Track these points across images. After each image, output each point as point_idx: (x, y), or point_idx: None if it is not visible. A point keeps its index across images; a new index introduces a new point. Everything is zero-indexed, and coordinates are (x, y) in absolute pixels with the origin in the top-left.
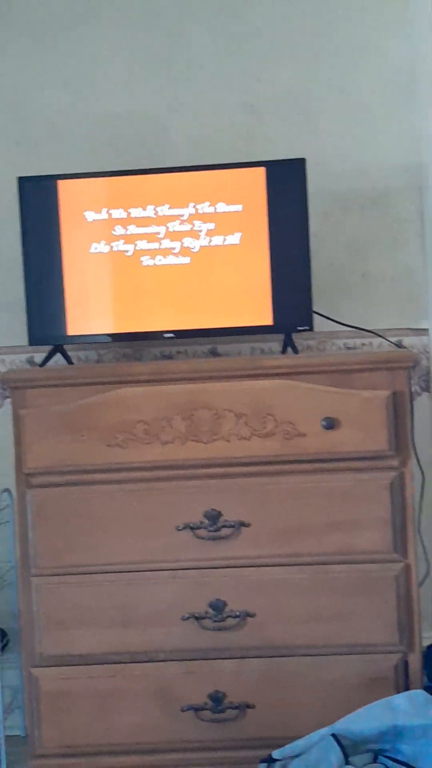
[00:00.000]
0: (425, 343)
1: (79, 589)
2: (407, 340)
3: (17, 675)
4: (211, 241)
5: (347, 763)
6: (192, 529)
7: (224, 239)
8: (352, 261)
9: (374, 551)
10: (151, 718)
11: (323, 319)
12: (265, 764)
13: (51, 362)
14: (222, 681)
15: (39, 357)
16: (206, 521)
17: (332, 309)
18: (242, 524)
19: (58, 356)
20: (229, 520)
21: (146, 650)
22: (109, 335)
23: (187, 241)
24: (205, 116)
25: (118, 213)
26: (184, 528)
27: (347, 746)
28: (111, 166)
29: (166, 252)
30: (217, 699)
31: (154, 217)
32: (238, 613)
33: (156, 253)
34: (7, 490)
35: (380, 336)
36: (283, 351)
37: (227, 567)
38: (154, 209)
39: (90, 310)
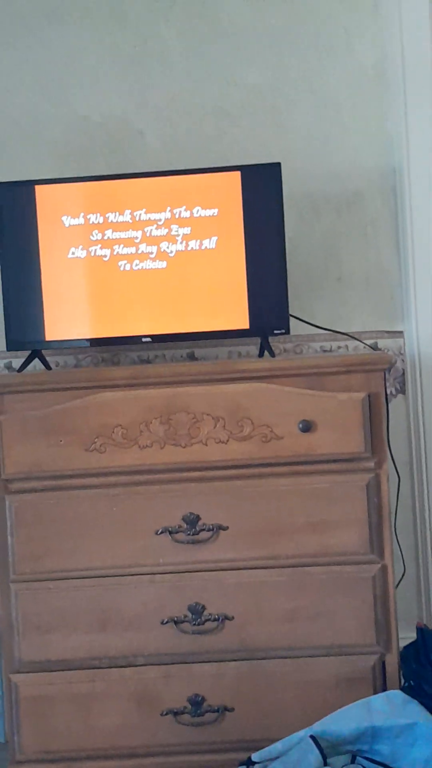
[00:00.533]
0: (400, 345)
1: (58, 593)
2: (382, 343)
3: None
4: (187, 245)
5: (326, 764)
6: (170, 533)
7: (201, 243)
8: (326, 264)
9: (351, 552)
10: (131, 722)
11: (299, 322)
12: (244, 767)
13: (29, 367)
14: (201, 684)
15: (17, 362)
16: (185, 525)
17: (308, 312)
18: (220, 527)
19: (36, 361)
20: (207, 524)
21: (125, 654)
22: (87, 340)
23: (164, 246)
24: (176, 118)
25: (95, 218)
26: (162, 532)
27: (326, 747)
28: (83, 168)
29: (144, 256)
30: (196, 702)
31: (131, 221)
32: (216, 616)
33: (133, 258)
34: None
35: (356, 339)
36: (260, 354)
37: (206, 570)
38: (131, 214)
39: (68, 315)
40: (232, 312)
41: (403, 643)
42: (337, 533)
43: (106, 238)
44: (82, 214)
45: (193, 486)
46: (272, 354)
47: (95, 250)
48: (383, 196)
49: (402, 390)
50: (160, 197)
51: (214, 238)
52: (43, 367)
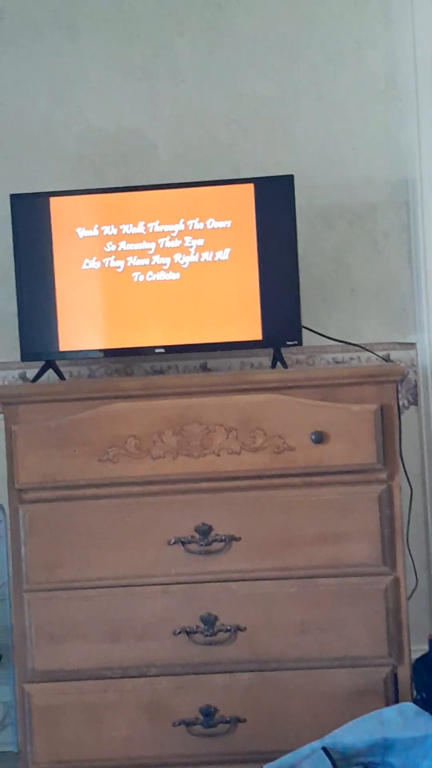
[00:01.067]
0: (412, 356)
1: (71, 603)
2: (395, 354)
3: (10, 691)
4: (200, 256)
5: None
6: (183, 543)
7: (214, 255)
8: (338, 275)
9: (363, 564)
10: (143, 732)
11: (312, 333)
12: None
13: (43, 378)
14: (213, 695)
15: (31, 373)
16: (197, 535)
17: (320, 323)
18: (233, 538)
19: (50, 372)
20: (219, 534)
21: (138, 665)
22: (100, 351)
23: (177, 257)
24: (189, 130)
25: (109, 229)
26: (175, 542)
27: (337, 759)
28: (96, 180)
29: (157, 268)
30: (208, 713)
31: (145, 233)
32: (229, 627)
33: (147, 269)
34: None
35: (368, 350)
36: (273, 365)
37: (218, 581)
38: (145, 225)
39: (82, 326)
40: (245, 323)
41: (415, 656)
42: (349, 545)
43: (119, 249)
44: (96, 226)
45: (206, 497)
46: (285, 365)
47: (109, 261)
48: (395, 207)
49: (414, 401)
50: (173, 209)
51: (228, 250)
52: (56, 377)
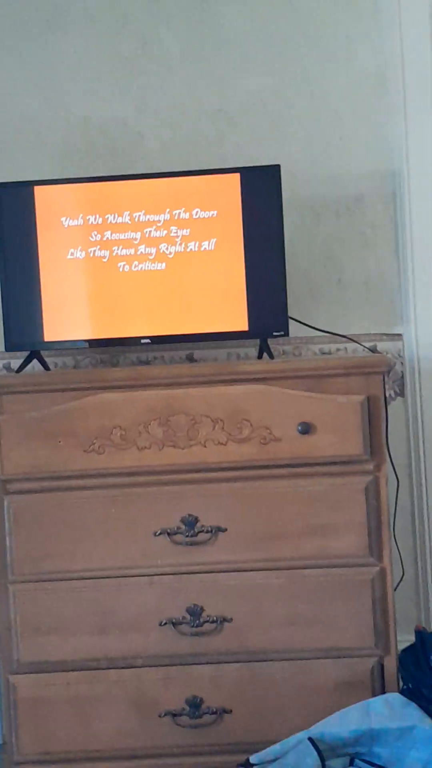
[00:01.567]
0: (399, 348)
1: (56, 595)
2: (381, 345)
3: None
4: (186, 246)
5: (324, 767)
6: (169, 534)
7: (200, 245)
8: (326, 267)
9: (350, 555)
10: (129, 723)
11: (299, 324)
12: None
13: (28, 368)
14: (199, 686)
15: (15, 363)
16: (183, 527)
17: (307, 315)
18: (219, 529)
19: (35, 362)
20: (206, 526)
21: (124, 656)
22: (86, 341)
23: (163, 247)
24: (176, 121)
25: (94, 219)
26: (161, 534)
27: (324, 750)
28: (83, 170)
29: (143, 258)
30: (194, 704)
31: (130, 223)
32: (215, 618)
33: (132, 259)
34: None
35: (355, 341)
36: (259, 356)
37: (204, 572)
38: (130, 215)
39: (67, 316)
40: (231, 314)
41: (401, 646)
42: (335, 536)
43: (105, 239)
44: (81, 216)
45: (192, 488)
46: (271, 356)
47: (94, 251)
48: (383, 199)
49: (401, 393)
50: (159, 199)
51: (213, 240)
52: (41, 368)
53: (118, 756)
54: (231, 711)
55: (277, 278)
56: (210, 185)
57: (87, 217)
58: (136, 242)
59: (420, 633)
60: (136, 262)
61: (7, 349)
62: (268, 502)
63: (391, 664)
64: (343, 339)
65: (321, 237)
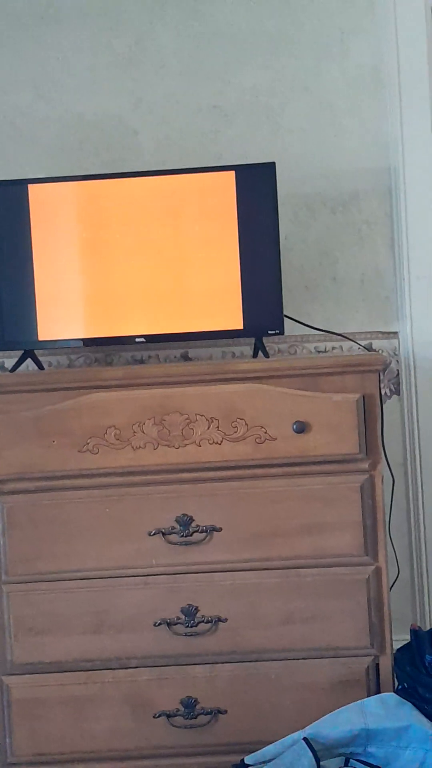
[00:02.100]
0: (395, 346)
1: (50, 595)
2: (377, 343)
3: None
4: (181, 244)
5: (319, 767)
6: (164, 534)
7: (194, 243)
8: (321, 264)
9: (346, 554)
10: (124, 724)
11: (294, 323)
12: None
13: (21, 367)
14: (194, 686)
15: (9, 362)
16: (178, 526)
17: (302, 313)
18: (214, 529)
19: (29, 361)
20: (200, 525)
21: (118, 656)
22: (80, 340)
23: (158, 245)
24: (171, 117)
25: (88, 217)
26: (155, 533)
27: (319, 750)
28: (77, 167)
29: (137, 256)
30: (189, 705)
31: (125, 220)
32: (210, 618)
33: (127, 258)
34: None
35: (350, 339)
36: (254, 355)
37: (199, 572)
38: (125, 213)
39: (61, 315)
40: (226, 312)
41: (397, 646)
42: (331, 535)
43: (99, 237)
44: (75, 214)
45: (187, 487)
46: (266, 354)
47: (88, 249)
48: (379, 196)
49: (397, 391)
50: (153, 196)
51: (209, 238)
52: (35, 367)
53: (113, 757)
54: (226, 711)
55: (272, 276)
56: (205, 183)
57: (81, 215)
58: (130, 240)
59: (415, 632)
60: (130, 261)
61: (1, 348)
62: (263, 501)
63: (386, 664)
64: (339, 337)
65: (316, 234)
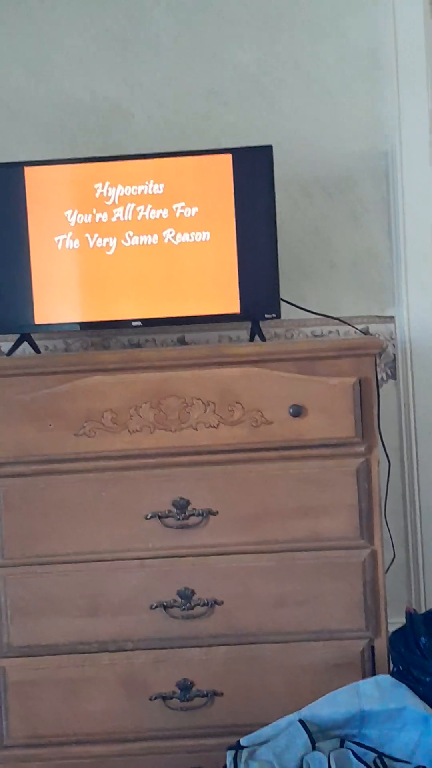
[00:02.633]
0: (391, 330)
1: (46, 578)
2: (373, 327)
3: None
4: (178, 228)
5: (314, 748)
6: (160, 517)
7: (191, 226)
8: (317, 248)
9: (341, 537)
10: (120, 706)
11: (290, 306)
12: (232, 751)
13: (18, 351)
14: (190, 669)
15: (6, 346)
16: (174, 510)
17: (299, 297)
18: (210, 512)
19: (25, 345)
20: (197, 509)
21: (114, 639)
22: (76, 324)
23: (154, 229)
24: (166, 100)
25: (85, 200)
26: (152, 517)
27: (314, 732)
28: (72, 149)
29: (133, 239)
30: (185, 687)
31: (121, 204)
32: (206, 600)
33: (123, 241)
34: None
35: (347, 323)
36: (251, 339)
37: (195, 555)
38: (121, 196)
39: (57, 299)
40: (223, 296)
41: (392, 628)
42: (327, 518)
43: (95, 220)
44: (71, 196)
45: (183, 471)
46: (263, 338)
47: (85, 232)
48: (375, 179)
49: (393, 375)
50: (150, 179)
51: (205, 221)
52: (32, 350)
53: (109, 739)
54: (222, 694)
55: (268, 260)
56: (202, 166)
57: (77, 198)
58: (126, 223)
59: (410, 615)
60: (127, 244)
61: None
62: (259, 484)
63: (381, 646)
64: (335, 321)
65: (312, 217)
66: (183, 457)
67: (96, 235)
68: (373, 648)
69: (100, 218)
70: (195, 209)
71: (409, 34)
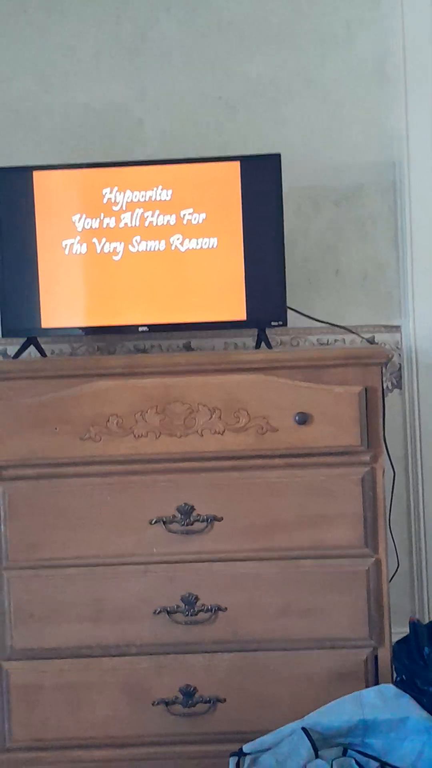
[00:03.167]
0: (397, 339)
1: (51, 582)
2: (380, 337)
3: None
4: (185, 234)
5: (317, 756)
6: (165, 523)
7: (199, 233)
8: (324, 257)
9: (346, 546)
10: (122, 712)
11: (297, 315)
12: (235, 758)
13: (24, 355)
14: (193, 675)
15: (12, 349)
16: (179, 515)
17: (305, 305)
18: (215, 519)
19: (32, 349)
20: (201, 515)
21: (118, 644)
22: (83, 328)
23: (162, 235)
24: (175, 108)
25: (92, 205)
26: (156, 522)
27: (317, 740)
28: (81, 156)
29: (141, 245)
30: (188, 693)
31: (129, 210)
32: (209, 607)
33: (130, 247)
34: None
35: (353, 332)
36: (257, 346)
37: (199, 561)
38: (129, 202)
39: (64, 303)
40: (230, 303)
41: (395, 638)
42: (331, 527)
43: (103, 226)
44: (79, 202)
45: (188, 477)
46: (269, 346)
47: (92, 237)
48: (382, 190)
49: (398, 385)
50: (158, 186)
51: (213, 229)
52: (38, 354)
53: (111, 744)
54: (224, 700)
55: (276, 268)
56: (210, 173)
57: (85, 203)
58: (134, 229)
59: (414, 624)
60: (134, 250)
61: (4, 335)
62: (264, 492)
63: (385, 656)
64: (342, 330)
65: (320, 227)
66: (188, 462)
67: (103, 240)
68: (376, 657)
69: (108, 224)
70: (203, 216)
71: (417, 46)
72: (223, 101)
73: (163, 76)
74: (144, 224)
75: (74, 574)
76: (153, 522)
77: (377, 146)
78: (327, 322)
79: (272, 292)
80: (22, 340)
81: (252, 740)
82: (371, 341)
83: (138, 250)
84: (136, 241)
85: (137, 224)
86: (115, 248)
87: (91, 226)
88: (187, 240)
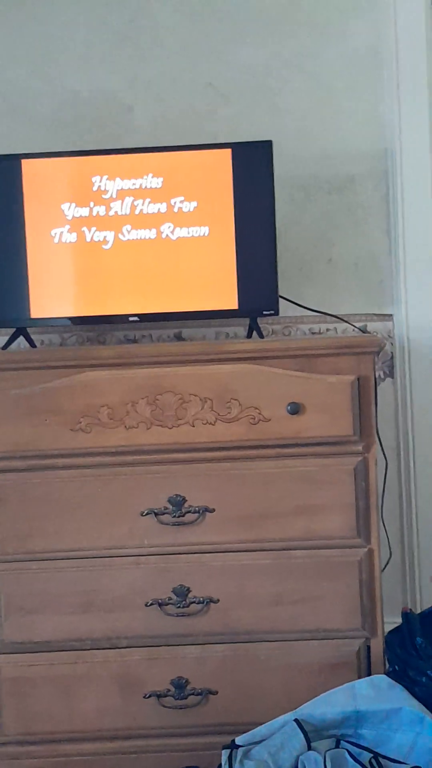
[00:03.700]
0: (389, 328)
1: (41, 574)
2: (372, 326)
3: None
4: (176, 223)
5: (310, 748)
6: (156, 514)
7: (189, 221)
8: (316, 246)
9: (338, 536)
10: (114, 704)
11: (288, 303)
12: (227, 750)
13: (13, 345)
14: (185, 667)
15: (1, 340)
16: (170, 507)
17: (297, 294)
18: (206, 510)
19: (21, 339)
20: (193, 506)
21: (109, 636)
22: (73, 318)
23: (152, 223)
24: (166, 95)
25: (82, 193)
26: (148, 513)
27: (310, 732)
28: (71, 143)
29: (131, 234)
30: (179, 685)
31: (119, 198)
32: (201, 598)
33: (121, 235)
34: None
35: (345, 321)
36: (249, 335)
37: (191, 553)
38: (119, 190)
39: (53, 293)
40: (221, 292)
41: (388, 628)
42: (323, 517)
43: (93, 214)
44: (69, 190)
45: (180, 467)
46: (261, 335)
47: (82, 226)
48: (375, 179)
49: (390, 374)
50: (148, 174)
51: (204, 217)
52: (27, 345)
53: (102, 737)
54: (216, 692)
55: (267, 256)
56: (201, 160)
57: (75, 192)
58: (124, 217)
59: (406, 615)
60: (124, 238)
61: None
62: (256, 482)
63: (377, 646)
64: (334, 319)
65: (312, 215)
66: (179, 453)
67: (93, 229)
68: (369, 648)
69: (98, 212)
70: (194, 204)
71: (411, 35)
72: (215, 89)
73: (154, 63)
74: (134, 212)
75: (65, 567)
76: (144, 513)
77: (370, 135)
78: (319, 311)
79: (264, 281)
80: (11, 331)
81: (244, 732)
82: (363, 330)
83: (128, 239)
84: (126, 229)
85: (127, 212)
86: (105, 237)
87: (80, 215)
88: (177, 228)
